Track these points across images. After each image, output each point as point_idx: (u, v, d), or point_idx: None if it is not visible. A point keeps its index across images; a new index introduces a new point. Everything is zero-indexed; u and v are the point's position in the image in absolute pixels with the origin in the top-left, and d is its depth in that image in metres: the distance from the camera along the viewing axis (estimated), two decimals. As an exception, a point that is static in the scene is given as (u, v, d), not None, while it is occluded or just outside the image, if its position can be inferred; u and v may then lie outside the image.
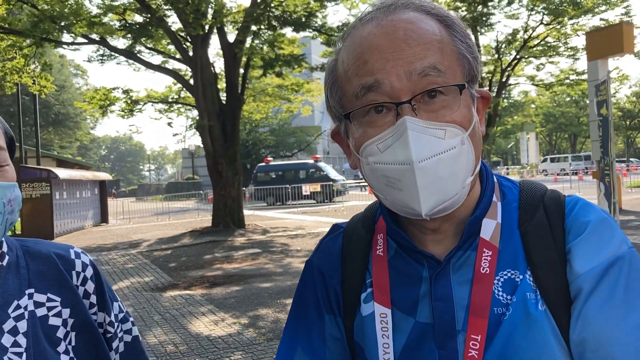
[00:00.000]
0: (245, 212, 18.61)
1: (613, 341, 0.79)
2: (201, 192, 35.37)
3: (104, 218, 24.32)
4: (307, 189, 32.01)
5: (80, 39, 16.56)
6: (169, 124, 31.07)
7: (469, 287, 0.88)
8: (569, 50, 21.89)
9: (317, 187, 36.05)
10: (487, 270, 0.87)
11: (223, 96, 17.82)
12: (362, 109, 0.85)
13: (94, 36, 16.46)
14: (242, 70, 17.61)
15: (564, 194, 0.95)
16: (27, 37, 15.23)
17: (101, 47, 17.43)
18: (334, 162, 55.35)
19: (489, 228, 0.90)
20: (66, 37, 16.43)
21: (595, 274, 0.82)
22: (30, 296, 1.00)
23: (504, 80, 22.41)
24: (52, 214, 17.98)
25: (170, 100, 20.94)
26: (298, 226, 17.50)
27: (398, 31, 0.82)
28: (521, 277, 0.86)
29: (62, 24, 15.31)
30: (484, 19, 18.86)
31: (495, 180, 0.96)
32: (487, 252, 0.88)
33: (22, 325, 0.95)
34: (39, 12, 15.04)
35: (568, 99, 57.30)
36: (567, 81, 23.78)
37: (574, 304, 0.83)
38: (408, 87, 0.81)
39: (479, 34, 21.46)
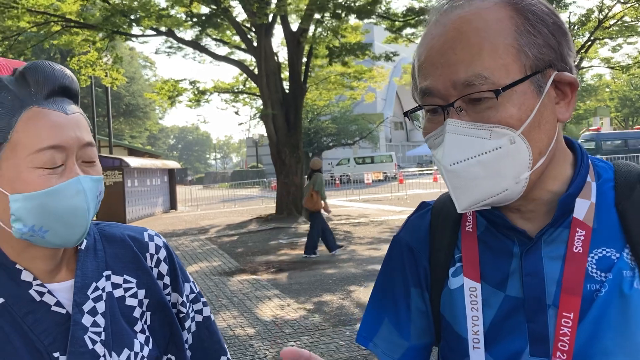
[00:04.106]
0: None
1: None
2: (265, 180, 35.93)
3: (173, 205, 25.15)
4: (369, 177, 31.86)
5: (149, 32, 17.10)
6: (236, 112, 31.67)
7: (560, 262, 0.88)
8: (649, 29, 20.66)
9: (379, 175, 35.87)
10: (580, 250, 0.87)
11: (286, 85, 17.97)
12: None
13: (162, 28, 16.95)
14: (305, 59, 17.69)
15: None
16: (100, 31, 15.89)
17: (169, 39, 17.93)
18: (396, 150, 54.78)
19: (583, 208, 0.89)
20: (135, 30, 17.01)
21: None
22: (108, 278, 1.03)
23: (576, 63, 21.43)
24: (124, 200, 18.76)
25: (235, 90, 21.32)
26: (361, 214, 17.49)
27: (448, 34, 0.84)
28: (618, 255, 0.86)
29: (132, 17, 15.85)
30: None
31: (589, 161, 0.95)
32: (581, 232, 0.88)
33: (100, 306, 0.99)
34: (110, 7, 15.63)
35: (647, 81, 54.19)
36: (647, 63, 22.48)
37: None
38: (454, 94, 0.84)
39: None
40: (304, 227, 14.70)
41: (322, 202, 9.85)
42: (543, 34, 0.84)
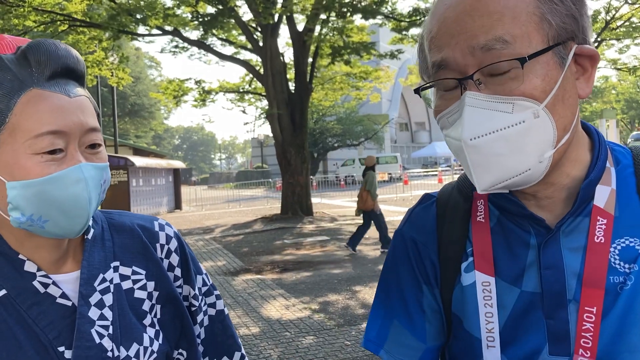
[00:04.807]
0: (313, 200, 18.74)
1: None
2: (270, 180, 35.92)
3: (177, 205, 25.15)
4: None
5: (154, 31, 17.10)
6: (243, 110, 31.61)
7: (580, 254, 0.82)
8: (656, 30, 20.54)
9: (384, 175, 35.76)
10: (601, 240, 0.81)
11: (292, 85, 17.94)
12: (435, 83, 0.84)
13: (168, 28, 16.95)
14: (310, 59, 17.66)
15: None
16: (106, 30, 15.88)
17: (175, 38, 17.93)
18: (401, 151, 54.65)
19: (603, 195, 0.84)
20: (141, 30, 17.02)
21: None
22: (116, 269, 0.99)
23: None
24: (129, 200, 18.78)
25: (241, 90, 21.30)
26: (366, 214, 17.42)
27: (465, 2, 0.79)
28: None
29: (138, 16, 15.86)
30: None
31: (607, 146, 0.90)
32: (602, 221, 0.82)
33: (108, 299, 0.95)
34: (116, 6, 15.63)
35: (653, 83, 53.95)
36: (654, 64, 22.33)
37: None
38: (473, 63, 0.78)
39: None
40: (309, 227, 14.66)
41: (372, 201, 9.82)
42: (565, 1, 0.79)
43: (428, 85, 0.85)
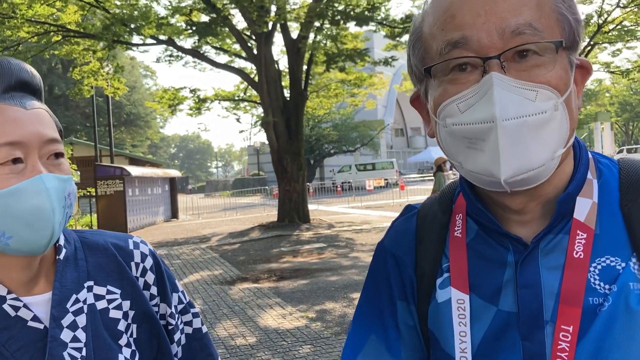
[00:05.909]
0: (310, 206, 18.71)
1: None
2: (267, 187, 35.89)
3: (174, 214, 25.07)
4: (370, 183, 31.79)
5: (149, 40, 17.10)
6: (238, 119, 31.46)
7: (559, 273, 0.78)
8: (649, 33, 20.61)
9: (380, 181, 35.79)
10: (581, 255, 0.77)
11: (287, 93, 17.95)
12: (445, 65, 0.77)
13: (162, 37, 16.95)
14: (305, 67, 17.68)
15: None
16: (100, 40, 15.87)
17: (169, 47, 17.93)
18: (397, 157, 54.66)
19: (584, 208, 0.79)
20: (136, 39, 16.98)
21: None
22: (90, 289, 0.97)
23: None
24: (125, 209, 18.69)
25: (236, 98, 21.30)
26: (363, 221, 17.42)
27: None
28: (623, 264, 0.76)
29: (132, 26, 15.86)
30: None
31: (590, 156, 0.86)
32: (582, 235, 0.78)
33: (81, 320, 0.93)
34: (110, 16, 15.63)
35: (647, 85, 54.20)
36: (647, 67, 22.41)
37: None
38: (498, 45, 0.73)
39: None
40: (306, 234, 14.62)
41: None
42: (574, 7, 0.78)
43: (439, 62, 0.78)
